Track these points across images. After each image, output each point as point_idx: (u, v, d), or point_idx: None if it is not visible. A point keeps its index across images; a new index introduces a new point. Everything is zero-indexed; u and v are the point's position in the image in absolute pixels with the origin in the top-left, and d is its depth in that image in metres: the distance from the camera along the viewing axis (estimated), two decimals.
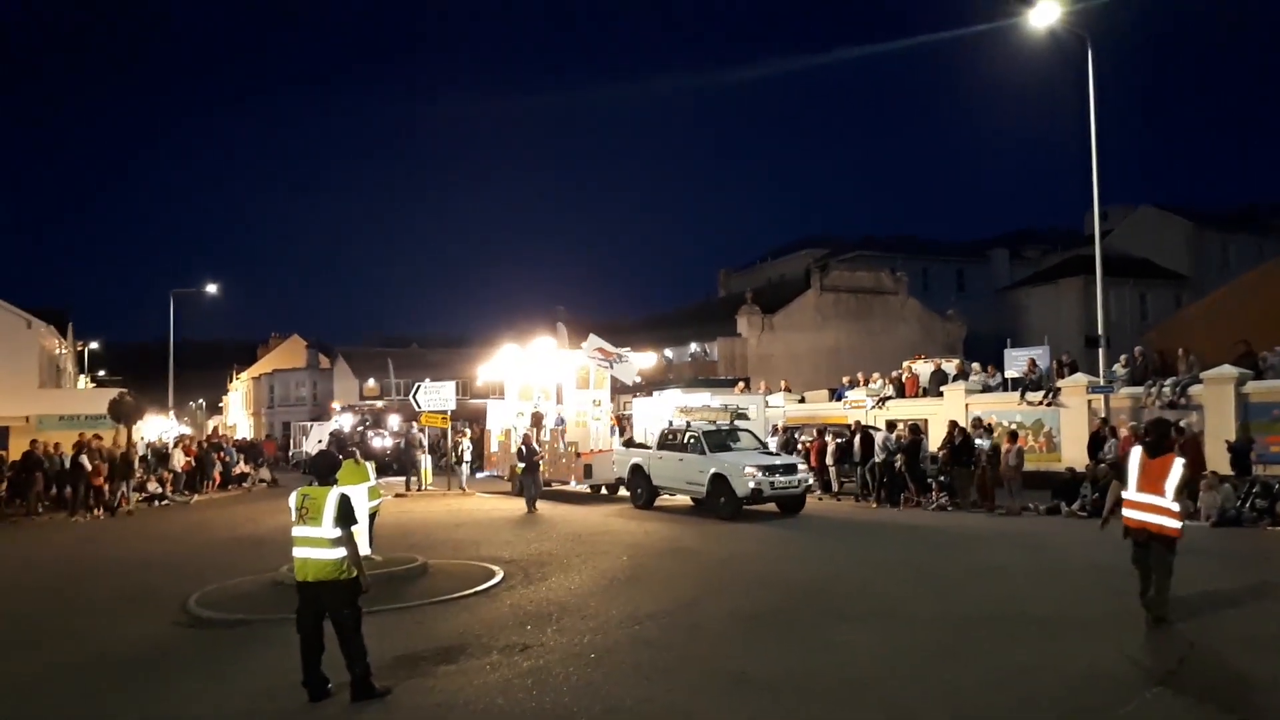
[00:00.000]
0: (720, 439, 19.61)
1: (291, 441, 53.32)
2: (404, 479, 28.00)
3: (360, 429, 38.24)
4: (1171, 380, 19.50)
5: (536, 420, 24.63)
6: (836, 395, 28.24)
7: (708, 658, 8.22)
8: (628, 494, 21.74)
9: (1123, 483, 8.92)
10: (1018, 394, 22.79)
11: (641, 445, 22.27)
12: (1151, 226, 51.11)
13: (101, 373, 64.51)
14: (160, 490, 25.65)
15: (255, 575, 12.85)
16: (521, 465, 21.10)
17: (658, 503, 20.85)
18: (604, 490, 24.04)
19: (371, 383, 60.08)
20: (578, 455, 23.43)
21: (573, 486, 24.24)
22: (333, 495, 7.40)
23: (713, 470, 18.57)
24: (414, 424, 31.44)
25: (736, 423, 20.62)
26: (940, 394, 24.91)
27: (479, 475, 27.67)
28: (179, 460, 28.31)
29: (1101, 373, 21.54)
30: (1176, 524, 8.47)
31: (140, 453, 28.13)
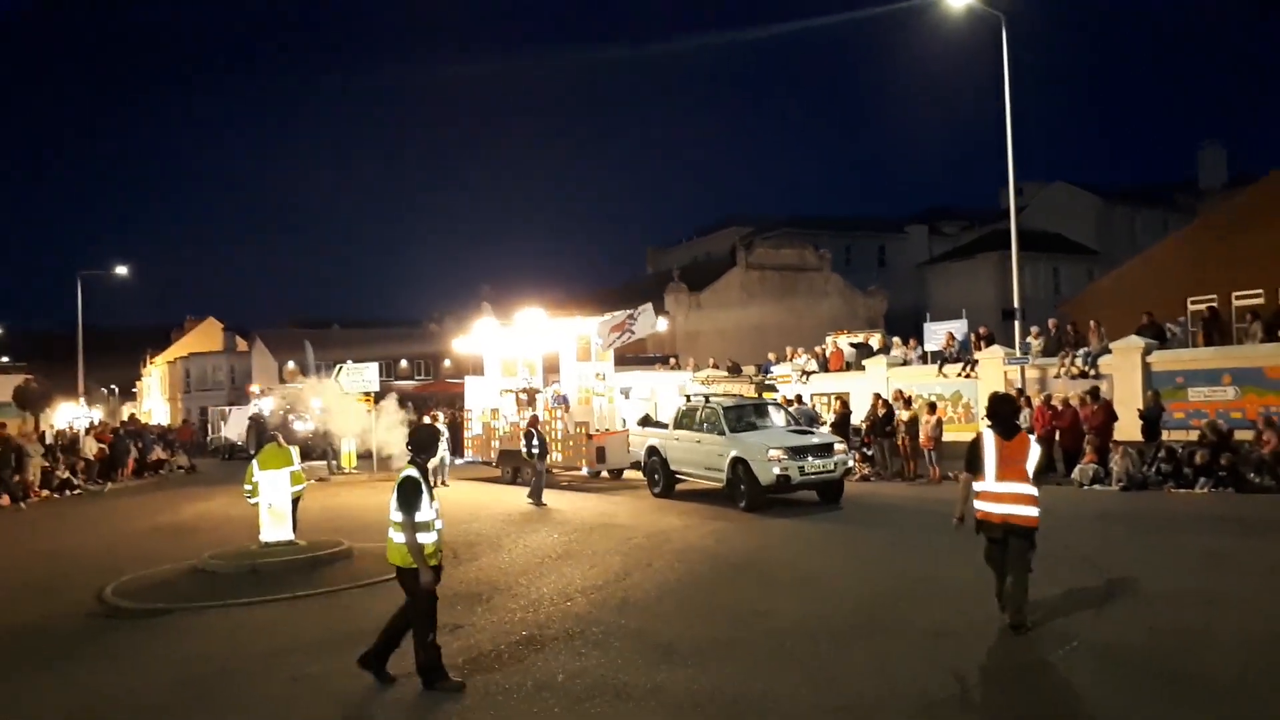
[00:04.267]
0: (743, 416, 17.27)
1: (210, 426, 51.97)
2: (326, 463, 27.52)
3: (281, 412, 37.46)
4: (1083, 351, 20.16)
5: (531, 398, 22.24)
6: (763, 371, 28.57)
7: (637, 630, 8.29)
8: (641, 480, 19.53)
9: (975, 472, 7.83)
10: (937, 366, 23.33)
11: (659, 424, 19.78)
12: (1063, 203, 52.62)
13: (4, 359, 62.00)
14: (69, 478, 24.77)
15: (174, 563, 12.57)
16: (534, 451, 18.40)
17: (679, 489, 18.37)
18: (605, 474, 21.75)
19: (291, 365, 58.84)
20: (589, 437, 20.65)
21: (584, 472, 21.64)
22: (401, 476, 7.03)
23: (733, 454, 16.08)
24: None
25: (765, 396, 18.46)
26: (863, 368, 25.38)
27: (458, 462, 24.82)
28: (90, 448, 27.39)
29: (1017, 345, 22.17)
30: (1037, 511, 7.73)
31: (48, 441, 27.19)
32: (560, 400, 21.83)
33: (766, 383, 18.68)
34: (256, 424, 35.38)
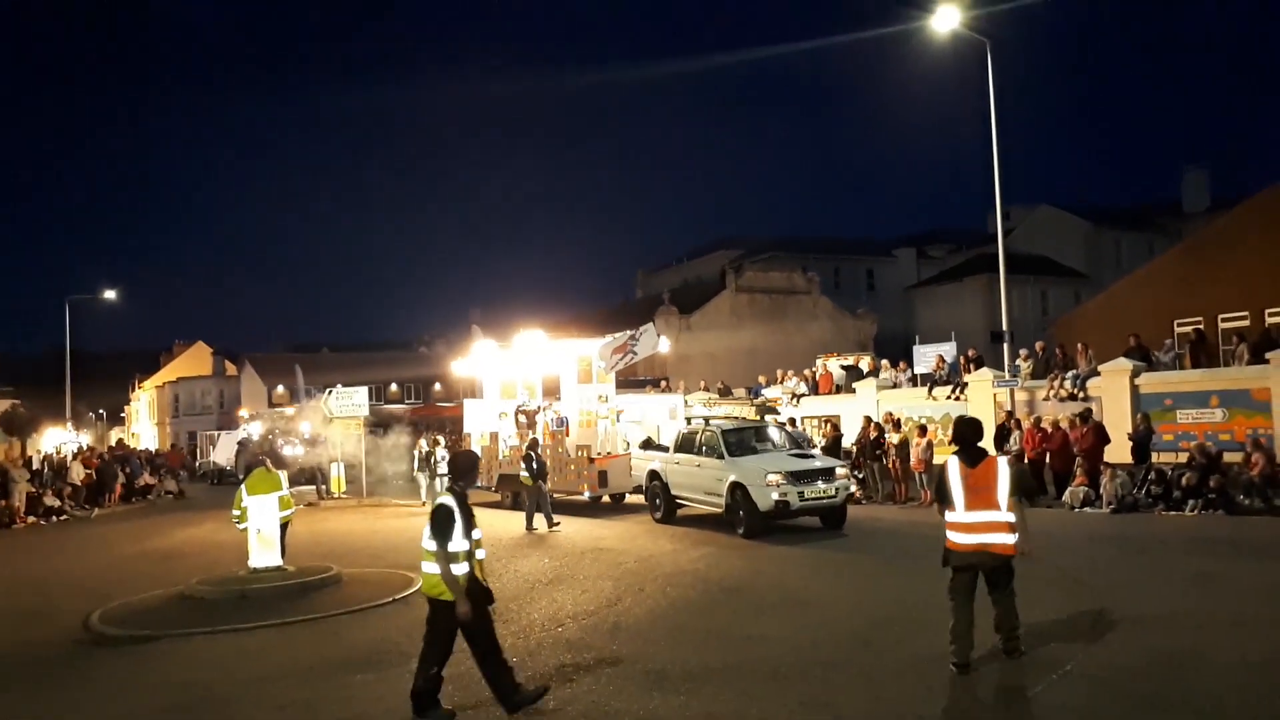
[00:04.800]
0: (743, 439, 16.76)
1: (199, 451, 51.75)
2: (315, 488, 27.43)
3: (270, 437, 37.34)
4: (1072, 373, 20.25)
5: (530, 420, 21.48)
6: (753, 394, 28.62)
7: (629, 656, 8.24)
8: (644, 505, 18.82)
9: (945, 504, 7.45)
10: (926, 389, 23.40)
11: (660, 447, 19.30)
12: (1051, 226, 52.97)
13: None
14: (58, 504, 24.60)
15: (162, 589, 12.47)
16: (527, 475, 17.66)
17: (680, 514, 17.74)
18: (606, 499, 20.97)
19: (280, 389, 58.74)
20: (590, 460, 20.03)
21: (585, 497, 20.39)
22: (436, 504, 6.91)
23: (731, 478, 15.62)
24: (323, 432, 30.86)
25: (768, 418, 17.77)
26: (853, 390, 25.44)
27: None
28: (78, 473, 27.21)
29: (1006, 367, 22.26)
30: (1014, 539, 7.23)
31: (35, 466, 27.01)
32: (560, 423, 21.22)
33: (768, 405, 17.60)
34: (245, 449, 35.25)
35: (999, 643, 7.50)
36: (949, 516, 7.39)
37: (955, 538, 7.34)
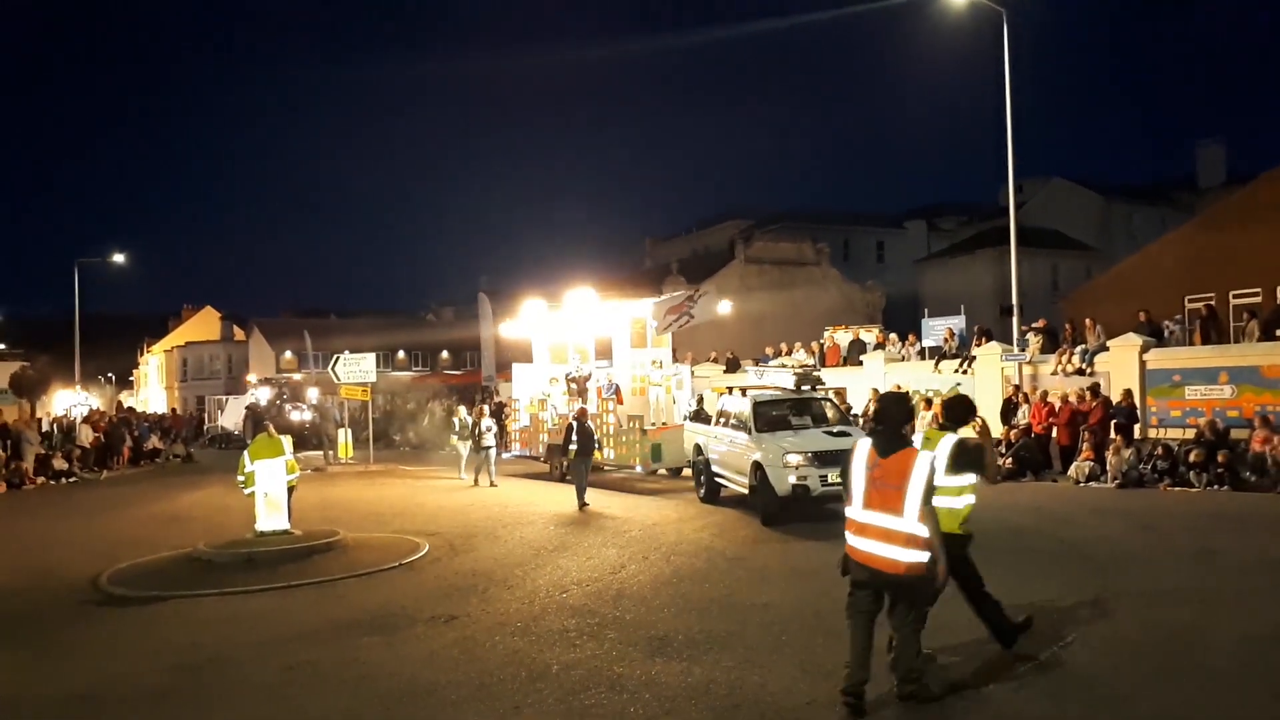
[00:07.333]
0: (777, 414, 15.12)
1: (207, 416, 51.99)
2: (321, 453, 27.56)
3: (277, 402, 37.55)
4: (1080, 348, 20.18)
5: (581, 386, 20.03)
6: (762, 363, 28.54)
7: (632, 622, 8.29)
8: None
9: (846, 495, 6.18)
10: (934, 362, 23.33)
11: (709, 419, 17.44)
12: (1063, 199, 52.57)
13: (1, 346, 61.92)
14: (67, 467, 24.76)
15: (170, 551, 12.57)
16: (572, 448, 16.26)
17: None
18: (663, 473, 19.50)
19: (288, 355, 58.91)
20: (643, 432, 18.51)
21: (638, 470, 19.12)
22: (956, 440, 6.58)
23: (753, 457, 14.15)
24: (330, 397, 31.07)
25: (816, 389, 16.11)
26: (860, 363, 25.39)
27: (505, 456, 22.92)
28: (86, 435, 27.36)
29: (1015, 341, 22.17)
30: (921, 556, 5.82)
31: (45, 428, 27.19)
32: (613, 389, 19.77)
33: (813, 376, 15.64)
34: (253, 413, 35.43)
35: (894, 685, 6.17)
36: (847, 511, 6.12)
37: (849, 540, 6.06)
